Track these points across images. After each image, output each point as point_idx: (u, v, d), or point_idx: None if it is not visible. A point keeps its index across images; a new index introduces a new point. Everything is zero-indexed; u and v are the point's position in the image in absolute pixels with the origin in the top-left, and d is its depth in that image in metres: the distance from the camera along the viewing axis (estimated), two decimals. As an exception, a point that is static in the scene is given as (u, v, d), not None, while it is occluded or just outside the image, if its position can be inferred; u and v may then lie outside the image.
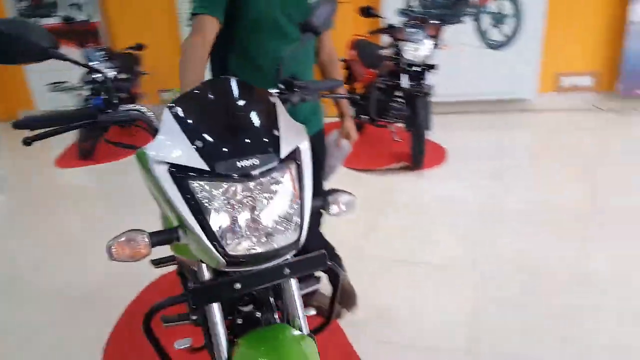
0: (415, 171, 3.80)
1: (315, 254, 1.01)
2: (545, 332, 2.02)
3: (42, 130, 0.99)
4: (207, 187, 0.86)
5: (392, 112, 3.85)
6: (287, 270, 0.96)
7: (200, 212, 0.86)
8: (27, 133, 0.99)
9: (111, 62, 4.66)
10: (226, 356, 0.99)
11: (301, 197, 0.94)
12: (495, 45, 5.09)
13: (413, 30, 3.74)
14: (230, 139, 0.89)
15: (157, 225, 3.29)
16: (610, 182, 3.43)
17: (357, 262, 2.52)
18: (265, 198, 0.90)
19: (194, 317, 1.42)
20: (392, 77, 3.83)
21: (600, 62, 5.06)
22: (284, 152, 0.92)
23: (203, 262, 0.99)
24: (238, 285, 0.93)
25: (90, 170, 4.50)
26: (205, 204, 0.86)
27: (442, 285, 2.39)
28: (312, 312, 1.16)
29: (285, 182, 0.92)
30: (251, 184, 0.88)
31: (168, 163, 0.86)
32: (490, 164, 3.90)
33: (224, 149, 0.87)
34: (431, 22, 3.92)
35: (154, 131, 1.02)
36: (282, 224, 0.92)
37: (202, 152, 0.86)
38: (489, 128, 4.90)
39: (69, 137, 4.93)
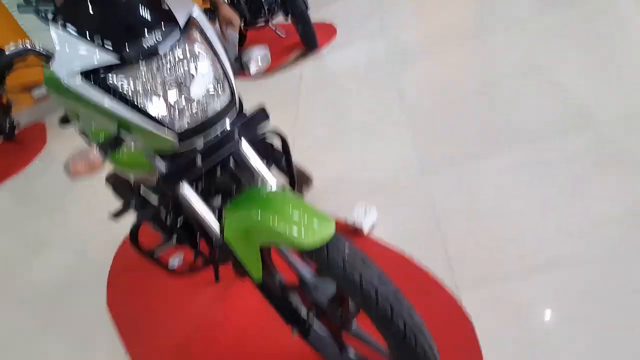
0: (313, 53, 3.83)
1: (256, 109, 1.05)
2: (473, 126, 2.25)
3: None
4: (126, 78, 0.87)
5: (266, 6, 3.77)
6: (237, 133, 1.01)
7: (135, 104, 0.87)
8: None
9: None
10: (218, 229, 1.05)
11: (218, 59, 0.96)
12: None
13: None
14: (124, 25, 0.89)
15: (89, 207, 3.18)
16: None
17: (295, 151, 2.62)
18: (185, 70, 0.91)
19: (174, 239, 1.46)
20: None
21: None
22: (181, 21, 0.92)
23: (157, 156, 1.01)
24: (199, 159, 0.97)
25: None
26: (135, 95, 0.88)
27: (378, 135, 2.55)
28: None
29: (197, 49, 0.93)
30: (164, 60, 0.89)
31: (80, 73, 0.85)
32: (374, 21, 3.98)
33: (124, 36, 0.87)
34: None
35: (48, 57, 0.98)
36: (212, 89, 0.95)
37: (105, 47, 0.86)
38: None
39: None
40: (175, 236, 1.46)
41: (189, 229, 1.41)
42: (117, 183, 1.82)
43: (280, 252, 1.19)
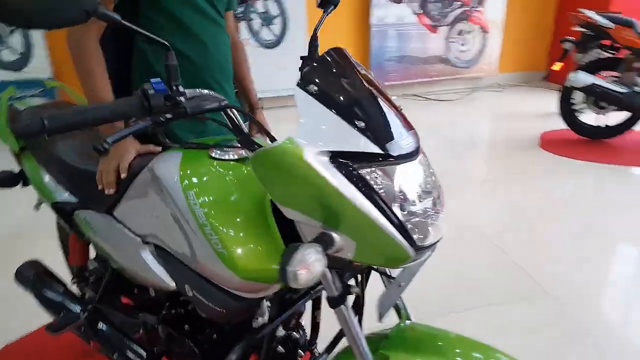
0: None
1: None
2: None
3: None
4: (382, 174, 0.73)
5: None
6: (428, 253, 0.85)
7: (383, 204, 0.72)
8: None
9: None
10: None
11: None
12: (269, 44, 5.35)
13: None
14: (381, 116, 0.76)
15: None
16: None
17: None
18: (431, 181, 0.79)
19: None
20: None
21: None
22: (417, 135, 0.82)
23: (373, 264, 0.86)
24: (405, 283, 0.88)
25: None
26: (386, 193, 0.72)
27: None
28: None
29: (429, 164, 0.82)
30: (416, 163, 0.77)
31: (329, 152, 0.71)
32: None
33: (387, 128, 0.74)
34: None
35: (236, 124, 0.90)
36: (441, 208, 0.81)
37: (366, 133, 0.73)
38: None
39: None
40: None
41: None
42: None
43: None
